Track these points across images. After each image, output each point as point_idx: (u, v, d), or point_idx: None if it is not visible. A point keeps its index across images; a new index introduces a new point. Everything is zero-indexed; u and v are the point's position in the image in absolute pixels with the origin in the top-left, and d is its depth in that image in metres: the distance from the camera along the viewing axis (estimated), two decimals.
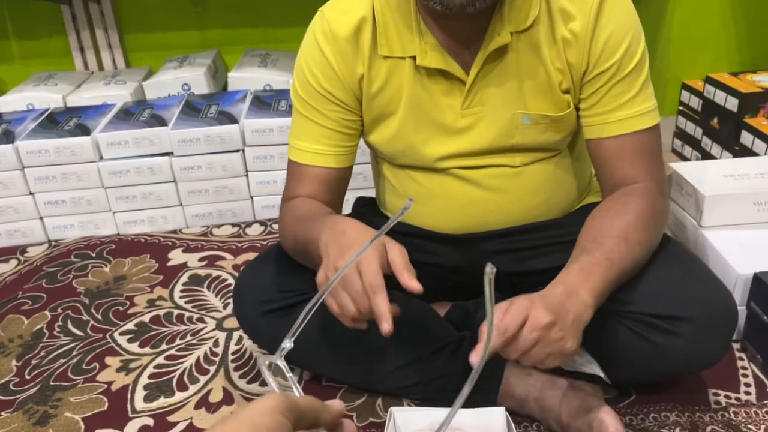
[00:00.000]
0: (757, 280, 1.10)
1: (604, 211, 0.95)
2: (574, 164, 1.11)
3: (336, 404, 0.47)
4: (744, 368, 1.11)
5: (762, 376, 1.09)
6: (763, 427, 0.99)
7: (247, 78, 1.91)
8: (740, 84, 1.67)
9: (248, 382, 1.14)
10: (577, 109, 1.01)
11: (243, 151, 1.67)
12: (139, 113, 1.75)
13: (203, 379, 1.16)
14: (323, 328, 1.00)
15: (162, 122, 1.68)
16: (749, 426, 0.99)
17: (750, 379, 1.09)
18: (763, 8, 1.86)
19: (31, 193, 1.65)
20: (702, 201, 1.28)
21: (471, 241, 1.09)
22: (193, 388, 1.14)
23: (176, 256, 1.58)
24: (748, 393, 1.06)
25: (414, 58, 0.96)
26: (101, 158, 1.65)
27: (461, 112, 0.99)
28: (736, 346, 1.16)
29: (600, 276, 0.83)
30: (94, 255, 1.61)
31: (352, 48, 0.96)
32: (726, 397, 1.05)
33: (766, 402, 1.04)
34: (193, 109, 1.75)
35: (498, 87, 0.97)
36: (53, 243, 1.68)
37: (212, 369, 1.18)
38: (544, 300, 0.78)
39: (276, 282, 1.03)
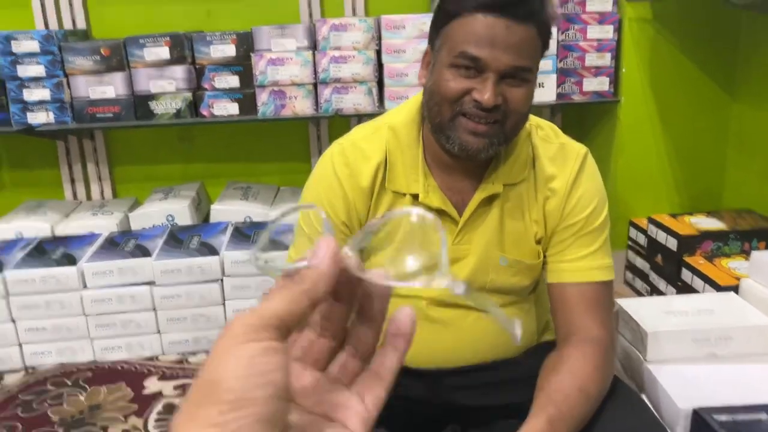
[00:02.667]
0: (697, 415, 1.19)
1: (565, 359, 1.05)
2: (533, 308, 1.23)
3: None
4: None
5: None
6: None
7: (228, 210, 2.04)
8: (679, 225, 1.84)
9: None
10: (544, 255, 1.14)
11: (222, 281, 1.77)
12: (124, 243, 1.85)
13: None
14: None
15: (146, 252, 1.77)
16: None
17: None
18: (697, 156, 2.08)
19: (12, 321, 1.71)
20: (645, 337, 1.39)
21: (437, 375, 1.18)
22: None
23: (152, 384, 1.63)
24: None
25: (415, 196, 1.10)
26: (85, 287, 1.73)
27: (452, 247, 1.12)
28: None
29: (564, 429, 0.93)
30: (70, 383, 1.64)
31: (369, 182, 1.09)
32: None
33: None
34: (176, 240, 1.86)
35: (484, 229, 1.11)
36: (30, 370, 1.71)
37: None
38: None
39: None
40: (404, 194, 1.11)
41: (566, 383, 0.98)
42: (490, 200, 1.10)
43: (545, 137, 1.13)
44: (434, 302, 1.15)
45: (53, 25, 2.08)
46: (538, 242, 1.13)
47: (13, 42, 1.85)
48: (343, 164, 1.11)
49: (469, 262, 1.13)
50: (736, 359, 1.39)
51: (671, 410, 1.26)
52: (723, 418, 1.16)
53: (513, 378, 1.16)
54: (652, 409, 1.13)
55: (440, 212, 1.10)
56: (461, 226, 1.11)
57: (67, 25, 2.10)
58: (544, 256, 1.14)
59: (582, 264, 1.10)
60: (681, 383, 1.31)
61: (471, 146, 1.01)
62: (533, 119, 1.16)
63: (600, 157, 2.14)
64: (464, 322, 1.15)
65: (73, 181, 2.23)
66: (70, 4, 2.08)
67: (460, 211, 1.11)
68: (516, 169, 1.10)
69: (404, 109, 1.14)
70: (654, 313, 1.47)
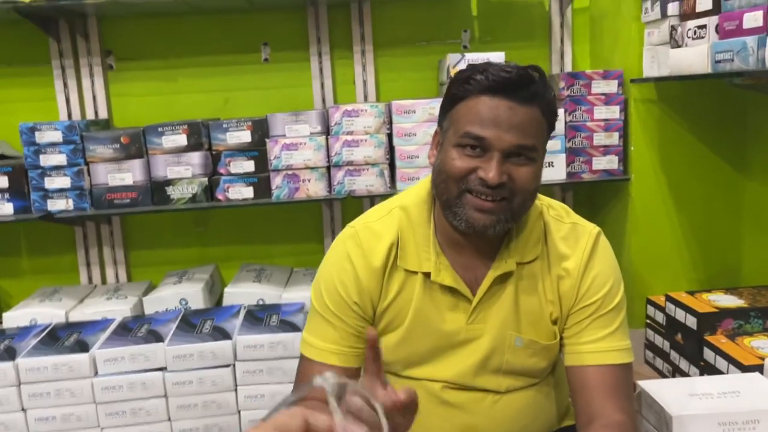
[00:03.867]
0: None
1: None
2: (553, 392, 1.20)
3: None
4: None
5: None
6: None
7: (241, 293, 2.04)
8: (697, 303, 1.81)
9: None
10: (561, 337, 1.12)
11: (234, 366, 1.74)
12: (137, 328, 1.84)
13: None
14: None
15: (159, 338, 1.76)
16: None
17: None
18: (712, 233, 2.07)
19: (23, 410, 1.69)
20: (670, 421, 1.34)
21: None
22: None
23: None
24: None
25: (427, 274, 1.09)
26: (96, 374, 1.71)
27: (465, 326, 1.11)
28: None
29: None
30: None
31: (381, 265, 1.10)
32: None
33: None
34: (189, 324, 1.85)
35: (499, 309, 1.10)
36: None
37: None
38: None
39: None
40: (416, 272, 1.11)
41: None
42: (504, 278, 1.10)
43: (557, 216, 1.14)
44: (449, 385, 1.13)
45: (76, 116, 2.16)
46: (554, 322, 1.12)
47: (36, 133, 1.92)
48: (355, 245, 1.12)
49: (483, 343, 1.11)
50: None
51: None
52: None
53: None
54: None
55: (452, 290, 1.10)
56: (475, 305, 1.10)
57: (90, 115, 2.18)
58: (561, 337, 1.13)
59: (600, 346, 1.09)
60: None
61: (478, 222, 1.02)
62: (544, 199, 1.17)
63: (613, 235, 2.15)
64: (481, 405, 1.13)
65: (88, 265, 2.26)
66: (94, 97, 2.16)
67: (473, 289, 1.10)
68: (529, 247, 1.10)
69: (415, 190, 1.16)
70: (678, 395, 1.42)
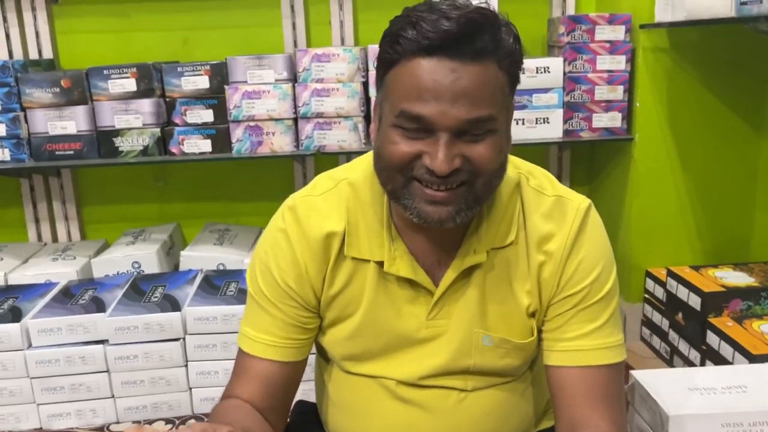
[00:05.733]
0: None
1: None
2: (530, 389, 1.02)
3: None
4: None
5: None
6: None
7: (200, 257, 1.86)
8: (702, 281, 1.63)
9: None
10: (540, 331, 0.94)
11: (183, 339, 1.58)
12: (80, 295, 1.67)
13: None
14: None
15: (101, 307, 1.60)
16: None
17: None
18: (721, 200, 1.88)
19: None
20: (666, 421, 1.18)
21: None
22: None
23: None
24: None
25: (380, 263, 0.91)
26: (30, 346, 1.55)
27: (425, 322, 0.93)
28: None
29: None
30: None
31: (323, 249, 0.92)
32: None
33: None
34: (138, 291, 1.68)
35: (465, 303, 0.92)
36: None
37: None
38: None
39: None
40: (368, 261, 0.92)
41: None
42: (471, 270, 0.91)
43: (539, 188, 0.93)
44: (404, 382, 0.95)
45: (18, 56, 1.94)
46: (532, 315, 0.93)
47: None
48: (294, 222, 0.93)
49: (447, 342, 0.93)
50: None
51: None
52: None
53: None
54: None
55: (410, 282, 0.91)
56: (437, 298, 0.91)
57: (33, 55, 1.95)
58: (540, 332, 0.94)
59: (585, 343, 0.90)
60: None
61: (431, 217, 0.81)
62: (524, 166, 0.96)
63: (613, 200, 1.94)
64: (444, 404, 0.96)
65: (37, 221, 2.07)
66: (37, 34, 1.93)
67: (435, 279, 0.91)
68: (502, 230, 0.90)
69: (365, 162, 0.94)
70: (676, 389, 1.25)
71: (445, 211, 0.80)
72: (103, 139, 1.77)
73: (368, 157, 0.94)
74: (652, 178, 1.86)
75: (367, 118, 1.78)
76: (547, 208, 0.91)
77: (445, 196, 0.80)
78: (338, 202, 0.93)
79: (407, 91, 0.77)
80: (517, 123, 1.80)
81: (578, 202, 0.92)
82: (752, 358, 1.40)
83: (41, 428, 1.57)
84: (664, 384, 1.28)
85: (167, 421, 1.60)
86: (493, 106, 0.78)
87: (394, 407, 0.97)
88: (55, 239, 2.09)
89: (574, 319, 0.90)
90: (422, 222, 0.83)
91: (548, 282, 0.91)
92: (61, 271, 1.81)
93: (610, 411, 0.90)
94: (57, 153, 1.76)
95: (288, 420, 1.04)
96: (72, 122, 1.75)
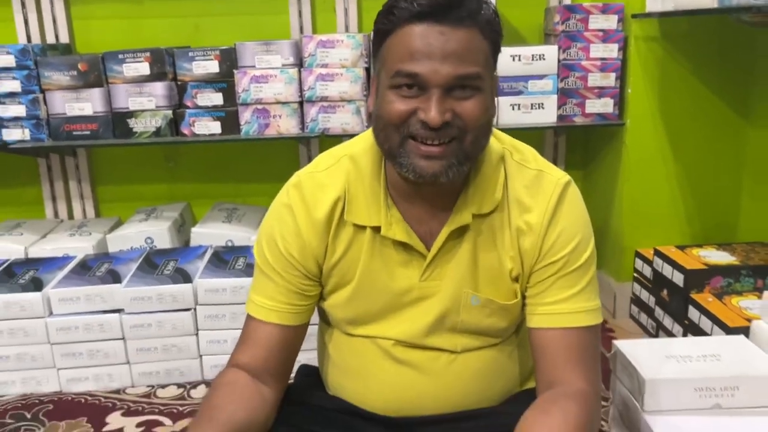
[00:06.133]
0: None
1: (545, 414, 0.93)
2: (516, 352, 1.11)
3: None
4: None
5: None
6: None
7: (210, 234, 1.95)
8: (686, 259, 1.71)
9: None
10: (524, 297, 1.03)
11: (195, 309, 1.67)
12: (96, 267, 1.76)
13: None
14: None
15: (117, 278, 1.69)
16: None
17: None
18: (709, 184, 1.95)
19: None
20: (643, 384, 1.26)
21: (405, 425, 1.07)
22: None
23: (114, 420, 1.53)
24: None
25: (376, 228, 0.99)
26: (51, 314, 1.65)
27: (418, 284, 1.01)
28: None
29: None
30: (29, 416, 1.56)
31: (325, 221, 1.00)
32: None
33: None
34: (151, 265, 1.77)
35: (455, 265, 1.00)
36: None
37: None
38: None
39: None
40: (365, 227, 1.01)
41: None
42: (461, 232, 0.99)
43: (522, 161, 1.02)
44: (401, 343, 1.04)
45: (36, 40, 2.02)
46: (515, 280, 1.01)
47: None
48: (298, 197, 1.02)
49: (439, 301, 1.02)
50: (742, 412, 1.26)
51: None
52: None
53: (492, 429, 1.05)
54: None
55: (404, 245, 1.00)
56: (429, 261, 1.00)
57: (51, 39, 2.04)
58: (523, 297, 1.03)
59: (564, 307, 0.98)
60: None
61: (426, 171, 0.90)
62: (508, 142, 1.05)
63: (605, 184, 2.03)
64: (435, 364, 1.04)
65: (54, 199, 2.16)
66: (54, 19, 2.01)
67: (428, 244, 1.00)
68: (487, 196, 0.99)
69: (364, 137, 1.03)
70: (654, 357, 1.34)
71: (438, 165, 0.89)
72: (117, 120, 1.85)
73: (368, 133, 1.03)
74: (642, 162, 1.94)
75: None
76: (529, 181, 1.00)
77: (437, 150, 0.88)
78: (339, 175, 1.02)
79: (402, 54, 0.86)
80: (513, 108, 1.87)
81: (557, 177, 1.01)
82: (729, 331, 1.49)
83: (61, 391, 1.67)
84: (642, 352, 1.37)
85: (179, 385, 1.69)
86: (478, 65, 0.87)
87: (390, 368, 1.06)
88: (71, 216, 2.18)
89: (554, 286, 0.99)
90: (417, 178, 0.91)
91: (529, 252, 0.99)
92: (78, 246, 1.91)
93: (586, 371, 0.98)
94: (74, 133, 1.85)
95: (291, 382, 1.14)
96: (88, 104, 1.83)
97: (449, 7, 0.85)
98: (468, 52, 0.86)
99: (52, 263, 1.81)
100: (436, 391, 1.05)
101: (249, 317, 1.05)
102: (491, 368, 1.07)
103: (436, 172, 0.90)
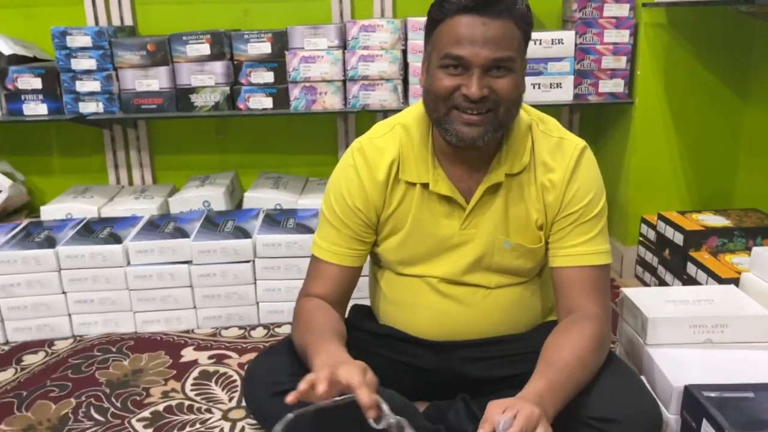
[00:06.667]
0: (687, 391, 1.29)
1: (565, 332, 1.16)
2: (539, 290, 1.34)
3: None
4: None
5: None
6: None
7: (260, 198, 2.18)
8: (687, 222, 1.93)
9: None
10: (547, 242, 1.25)
11: (253, 262, 1.90)
12: (164, 225, 1.99)
13: None
14: (321, 414, 1.18)
15: (184, 234, 1.92)
16: None
17: None
18: (708, 158, 2.16)
19: (63, 293, 1.86)
20: (646, 322, 1.49)
21: (447, 347, 1.30)
22: None
23: (188, 354, 1.77)
24: None
25: (425, 185, 1.22)
26: (129, 264, 1.88)
27: (459, 231, 1.24)
28: None
29: (562, 394, 1.05)
30: (114, 350, 1.80)
31: (384, 176, 1.23)
32: None
33: None
34: (212, 223, 2.00)
35: (490, 215, 1.23)
36: (77, 338, 1.87)
37: None
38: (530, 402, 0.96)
39: (287, 367, 1.22)
40: (415, 184, 1.23)
41: (567, 354, 1.10)
42: (494, 189, 1.22)
43: (546, 131, 1.24)
44: (445, 280, 1.27)
45: (103, 21, 2.24)
46: (540, 228, 1.24)
47: (68, 37, 2.01)
48: (361, 159, 1.24)
49: (476, 245, 1.25)
50: (730, 346, 1.48)
51: (665, 388, 1.36)
52: (712, 394, 1.26)
53: (519, 352, 1.28)
54: (645, 383, 1.24)
55: (448, 199, 1.22)
56: (468, 212, 1.23)
57: (116, 21, 2.25)
58: (546, 242, 1.26)
59: (580, 250, 1.21)
60: (676, 365, 1.41)
61: (467, 136, 1.13)
62: (536, 114, 1.27)
63: (615, 156, 2.25)
64: (473, 298, 1.27)
65: (116, 167, 2.39)
66: (119, 3, 2.23)
67: (467, 198, 1.22)
68: (517, 158, 1.21)
69: (415, 109, 1.26)
70: (656, 301, 1.56)
71: (476, 131, 1.11)
72: (181, 96, 2.07)
73: (417, 105, 1.25)
74: (648, 137, 2.14)
75: (405, 81, 2.07)
76: (552, 146, 1.22)
77: (476, 119, 1.11)
78: (393, 140, 1.24)
79: (450, 39, 1.08)
80: (534, 87, 2.09)
81: (576, 143, 1.23)
82: (721, 282, 1.71)
83: (137, 331, 1.91)
84: (646, 297, 1.60)
85: (239, 327, 1.93)
86: (512, 50, 1.08)
87: (435, 300, 1.29)
88: (131, 183, 2.41)
89: (572, 232, 1.22)
90: (459, 142, 1.13)
91: (552, 205, 1.22)
92: (144, 207, 2.14)
93: (599, 299, 1.21)
94: (142, 107, 2.07)
95: (346, 317, 1.37)
96: (155, 80, 2.05)
97: (491, 2, 1.07)
98: (504, 39, 1.08)
99: (124, 222, 2.04)
100: (474, 320, 1.29)
101: (316, 258, 1.28)
102: (519, 302, 1.31)
103: (474, 137, 1.13)
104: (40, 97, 2.06)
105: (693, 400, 1.27)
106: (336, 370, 0.97)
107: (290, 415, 0.86)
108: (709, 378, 1.32)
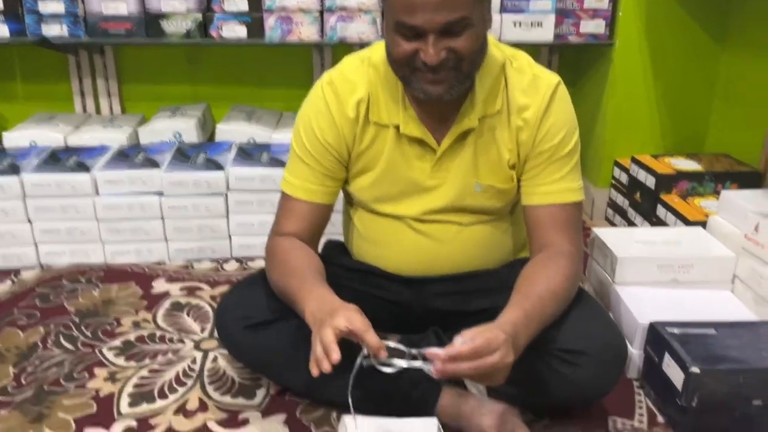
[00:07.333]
0: (652, 328, 1.34)
1: (540, 267, 1.17)
2: (511, 228, 1.35)
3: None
4: (640, 401, 1.33)
5: (653, 408, 1.31)
6: None
7: (233, 131, 2.13)
8: (659, 165, 1.95)
9: (221, 394, 1.32)
10: (519, 181, 1.25)
11: (226, 195, 1.88)
12: (134, 156, 1.95)
13: (181, 390, 1.33)
14: (293, 347, 1.20)
15: (155, 165, 1.88)
16: None
17: (644, 410, 1.30)
18: (684, 102, 2.17)
19: (29, 221, 1.82)
20: (615, 262, 1.52)
21: (421, 282, 1.31)
22: (172, 398, 1.31)
23: (159, 285, 1.76)
24: (641, 421, 1.27)
25: (397, 127, 1.20)
26: (98, 194, 1.84)
27: (430, 173, 1.23)
28: (636, 383, 1.38)
29: (536, 325, 1.06)
30: (83, 280, 1.77)
31: (354, 113, 1.21)
32: (623, 423, 1.26)
33: (654, 429, 1.25)
34: (184, 155, 1.96)
35: (460, 159, 1.22)
36: (45, 268, 1.84)
37: (189, 382, 1.36)
38: (502, 329, 0.97)
39: (259, 301, 1.22)
40: (387, 126, 1.21)
41: (541, 287, 1.11)
42: (466, 133, 1.21)
43: (519, 68, 1.22)
44: (418, 218, 1.27)
45: None
46: (512, 167, 1.24)
47: None
48: (332, 92, 1.21)
49: (447, 188, 1.24)
50: (695, 285, 1.53)
51: (631, 324, 1.40)
52: (675, 331, 1.30)
53: (490, 287, 1.29)
54: (612, 318, 1.27)
55: (419, 141, 1.21)
56: (440, 155, 1.21)
57: None
58: (518, 181, 1.25)
59: (553, 188, 1.21)
60: (642, 302, 1.45)
61: (433, 93, 1.10)
62: (508, 51, 1.24)
63: (592, 99, 2.24)
64: (446, 235, 1.28)
65: (83, 95, 2.31)
66: None
67: (439, 141, 1.21)
68: (490, 101, 1.19)
69: (383, 46, 1.21)
70: (626, 241, 1.59)
71: (441, 88, 1.09)
72: (150, 21, 1.99)
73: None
74: (627, 80, 2.14)
75: (383, 14, 2.01)
76: (526, 84, 1.20)
77: (441, 77, 1.08)
78: (364, 76, 1.21)
79: (401, 7, 1.02)
80: (515, 25, 2.05)
81: (549, 79, 1.22)
82: (689, 224, 1.74)
83: (106, 263, 1.88)
84: (616, 237, 1.63)
85: (212, 260, 1.92)
86: (466, 8, 1.03)
87: (409, 237, 1.29)
88: (98, 112, 2.34)
89: (545, 170, 1.22)
90: (426, 97, 1.12)
91: (525, 142, 1.21)
92: (113, 137, 2.08)
93: (572, 236, 1.22)
94: (110, 31, 1.99)
95: (320, 252, 1.36)
96: (123, 4, 1.96)
97: None
98: (455, 1, 1.02)
99: (92, 151, 1.99)
100: (447, 255, 1.29)
101: (287, 195, 1.26)
102: (491, 239, 1.32)
103: (441, 93, 1.10)
104: (1, 17, 1.96)
105: (657, 336, 1.31)
106: (335, 322, 0.97)
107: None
108: (674, 315, 1.36)
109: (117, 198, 1.83)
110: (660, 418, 1.28)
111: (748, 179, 1.88)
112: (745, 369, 1.18)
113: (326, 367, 0.95)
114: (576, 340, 1.14)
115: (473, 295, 1.31)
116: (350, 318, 0.97)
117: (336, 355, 0.94)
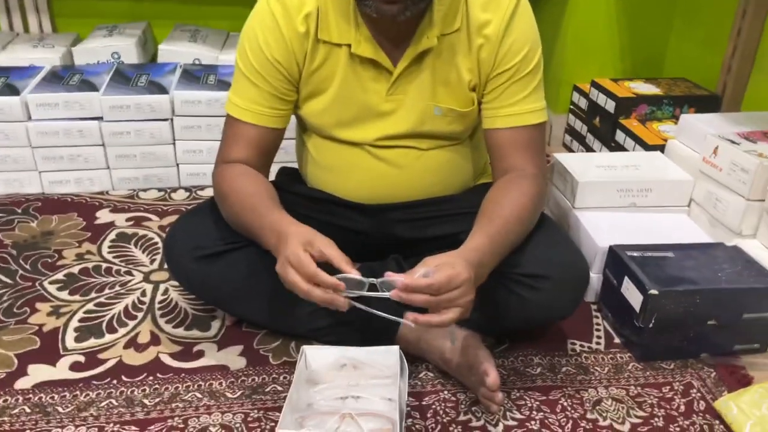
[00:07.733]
0: (612, 251, 1.33)
1: (505, 190, 1.13)
2: (471, 152, 1.30)
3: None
4: (597, 324, 1.34)
5: (610, 330, 1.32)
6: (606, 368, 1.22)
7: (177, 51, 2.00)
8: (618, 89, 1.93)
9: (174, 327, 1.27)
10: (480, 103, 1.20)
11: (172, 120, 1.77)
12: (68, 77, 1.81)
13: (131, 323, 1.28)
14: (248, 277, 1.14)
15: (92, 87, 1.75)
16: (596, 367, 1.22)
17: (601, 333, 1.32)
18: (644, 24, 2.13)
19: None
20: (576, 186, 1.50)
21: (380, 210, 1.27)
22: (122, 331, 1.25)
23: (103, 216, 1.67)
24: (598, 343, 1.29)
25: (349, 46, 1.11)
26: (30, 118, 1.71)
27: (385, 97, 1.16)
28: (593, 306, 1.39)
29: (501, 249, 1.04)
30: (19, 211, 1.67)
31: (303, 28, 1.11)
32: (581, 345, 1.27)
33: (611, 350, 1.27)
34: (124, 77, 1.83)
35: (419, 82, 1.15)
36: None
37: (140, 315, 1.30)
38: (467, 262, 0.94)
39: (210, 231, 1.16)
40: (339, 45, 1.12)
41: (506, 211, 1.08)
42: (424, 54, 1.13)
43: None
44: (375, 144, 1.21)
45: None
46: (473, 89, 1.18)
47: None
48: (279, 5, 1.11)
49: (407, 113, 1.18)
50: (654, 209, 1.53)
51: (591, 248, 1.40)
52: (634, 254, 1.30)
53: (451, 213, 1.26)
54: (574, 242, 1.26)
55: (373, 62, 1.13)
56: (395, 77, 1.14)
57: None
58: (479, 104, 1.20)
59: (515, 109, 1.16)
60: (602, 226, 1.44)
61: (387, 12, 1.03)
62: None
63: (552, 22, 2.18)
64: (405, 160, 1.23)
65: (8, 11, 2.12)
66: None
67: (394, 62, 1.13)
68: (449, 19, 1.12)
69: None
70: (585, 166, 1.58)
71: (397, 8, 1.01)
72: None
73: None
74: (587, 2, 2.08)
75: None
76: (486, 0, 1.13)
77: None
78: None
79: None
80: None
81: None
82: (648, 149, 1.73)
83: (43, 192, 1.77)
84: (576, 162, 1.61)
85: (159, 189, 1.83)
86: None
87: (367, 163, 1.23)
88: (26, 30, 2.15)
89: (507, 91, 1.16)
90: (380, 16, 1.04)
91: (486, 61, 1.15)
92: (44, 57, 1.92)
93: (535, 158, 1.19)
94: None
95: (273, 180, 1.29)
96: None
97: None
98: None
99: (20, 72, 1.83)
100: (406, 181, 1.24)
101: (233, 119, 1.17)
102: (451, 164, 1.27)
103: (395, 13, 1.02)
104: None
105: (616, 259, 1.31)
106: (315, 249, 0.95)
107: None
108: (633, 239, 1.37)
109: (52, 123, 1.71)
110: (617, 340, 1.29)
111: (707, 103, 1.88)
112: (701, 289, 1.20)
113: (342, 304, 0.93)
114: (539, 264, 1.13)
115: (433, 221, 1.27)
116: (325, 244, 0.96)
117: (341, 285, 0.93)
